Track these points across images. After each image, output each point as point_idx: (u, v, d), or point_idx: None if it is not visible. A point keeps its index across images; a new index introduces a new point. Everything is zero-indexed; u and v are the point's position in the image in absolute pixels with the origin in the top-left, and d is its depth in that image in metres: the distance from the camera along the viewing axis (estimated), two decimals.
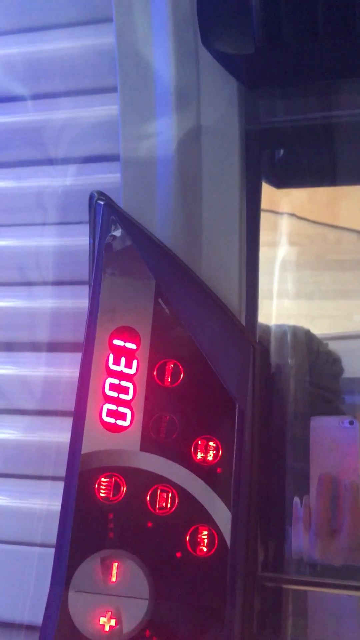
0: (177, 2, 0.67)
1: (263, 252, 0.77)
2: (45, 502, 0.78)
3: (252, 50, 0.59)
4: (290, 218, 0.97)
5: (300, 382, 0.77)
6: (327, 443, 0.68)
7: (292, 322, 0.83)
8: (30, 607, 0.74)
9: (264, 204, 0.78)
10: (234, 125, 0.69)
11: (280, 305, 0.86)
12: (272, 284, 0.85)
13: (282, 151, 0.83)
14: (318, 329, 0.88)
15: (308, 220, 1.13)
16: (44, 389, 0.82)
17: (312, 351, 0.83)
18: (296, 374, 0.77)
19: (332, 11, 0.57)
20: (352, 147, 0.79)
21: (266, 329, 0.78)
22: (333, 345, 0.88)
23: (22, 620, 0.75)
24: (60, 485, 0.64)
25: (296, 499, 0.70)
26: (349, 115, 0.73)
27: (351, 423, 0.68)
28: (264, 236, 0.77)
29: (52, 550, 0.62)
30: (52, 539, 0.63)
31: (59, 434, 0.79)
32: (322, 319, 0.91)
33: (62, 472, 0.64)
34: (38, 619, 0.61)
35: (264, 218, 0.78)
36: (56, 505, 0.64)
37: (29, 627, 0.74)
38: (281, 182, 0.85)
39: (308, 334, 0.83)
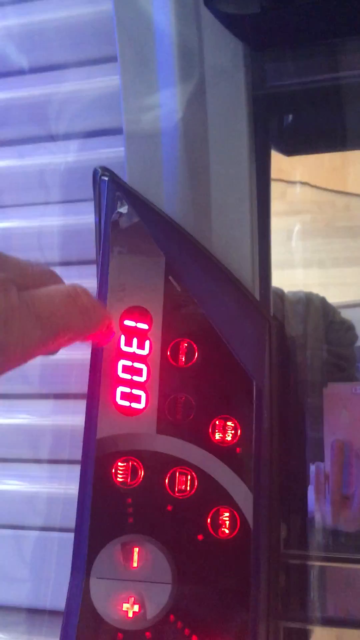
0: None
1: (271, 222, 0.74)
2: (63, 486, 0.78)
3: (258, 9, 0.56)
4: (297, 185, 0.94)
5: (316, 349, 0.75)
6: (340, 409, 0.66)
7: (304, 289, 0.81)
8: (52, 593, 0.74)
9: (272, 172, 0.76)
10: (240, 92, 0.66)
11: (292, 274, 0.84)
12: (282, 253, 0.83)
13: (290, 117, 0.80)
14: (331, 297, 0.86)
15: (316, 187, 1.10)
16: (55, 371, 0.81)
17: (327, 318, 0.81)
18: (312, 342, 0.75)
19: None
20: None
21: (281, 295, 0.76)
22: (347, 313, 0.86)
23: (45, 606, 0.74)
24: (77, 468, 0.63)
25: (312, 467, 0.69)
26: (358, 77, 0.70)
27: None
28: (272, 205, 0.74)
29: (71, 534, 0.61)
30: (71, 523, 0.62)
31: (72, 417, 0.78)
32: (334, 287, 0.89)
33: (78, 456, 0.63)
34: (60, 604, 0.60)
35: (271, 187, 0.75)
36: (73, 489, 0.63)
37: (52, 613, 0.74)
38: (291, 149, 0.82)
39: (323, 301, 0.81)
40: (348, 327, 0.83)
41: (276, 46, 0.64)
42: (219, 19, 0.61)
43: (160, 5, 0.66)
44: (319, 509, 0.68)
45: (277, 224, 0.83)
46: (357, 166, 1.10)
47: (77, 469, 0.62)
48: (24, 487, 0.80)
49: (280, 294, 0.76)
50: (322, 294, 0.84)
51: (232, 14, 0.58)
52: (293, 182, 0.92)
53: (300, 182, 0.96)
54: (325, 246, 1.08)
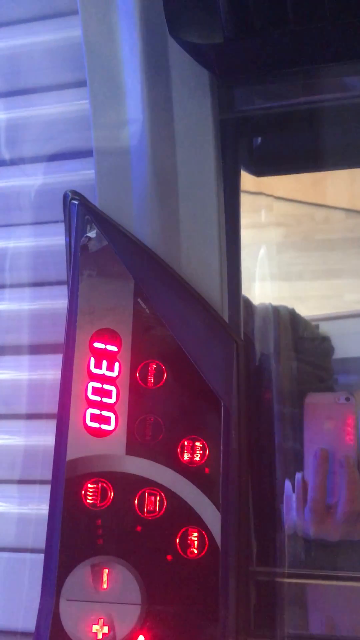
0: None
1: (250, 235, 0.75)
2: (35, 506, 0.78)
3: (221, 39, 0.58)
4: (276, 199, 0.95)
5: (287, 361, 0.76)
6: (323, 419, 0.67)
7: (283, 304, 0.82)
8: (25, 614, 0.74)
9: (249, 185, 0.77)
10: (207, 116, 0.68)
11: (270, 287, 0.85)
12: (261, 266, 0.84)
13: (259, 139, 0.81)
14: (309, 310, 0.87)
15: (294, 200, 1.12)
16: (27, 392, 0.81)
17: (297, 329, 0.82)
18: (283, 354, 0.76)
19: None
20: (330, 131, 0.78)
21: (250, 307, 0.77)
22: (326, 326, 0.87)
23: (17, 628, 0.74)
24: (48, 488, 0.63)
25: (288, 479, 0.69)
26: (325, 100, 0.72)
27: (347, 399, 0.67)
28: (251, 218, 0.76)
29: (43, 555, 0.62)
30: (43, 543, 0.62)
31: (44, 437, 0.78)
32: (313, 300, 0.90)
33: (49, 476, 0.63)
34: (32, 625, 0.60)
35: (250, 200, 0.77)
36: (45, 509, 0.64)
37: (24, 634, 0.73)
38: (260, 171, 0.83)
39: (292, 313, 0.82)
40: (323, 337, 0.85)
41: (241, 74, 0.66)
42: (184, 48, 0.62)
43: (127, 33, 0.67)
44: (298, 520, 0.68)
45: (256, 237, 0.84)
46: (335, 180, 1.12)
47: (49, 488, 0.63)
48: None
49: (248, 305, 0.77)
50: (300, 306, 0.85)
51: (196, 44, 0.60)
52: (272, 196, 0.93)
53: (279, 195, 0.98)
54: (304, 259, 1.10)
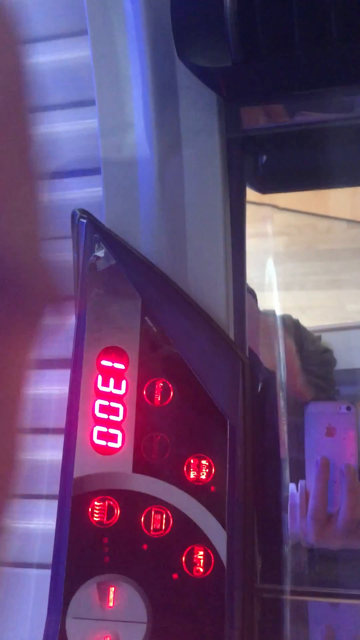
0: (152, 14, 0.66)
1: (252, 244, 0.76)
2: (41, 521, 0.78)
3: (229, 63, 0.58)
4: (278, 209, 0.96)
5: (291, 371, 0.77)
6: (324, 428, 0.68)
7: (284, 314, 0.82)
8: (30, 630, 0.74)
9: (251, 195, 0.78)
10: (214, 136, 0.68)
11: (272, 297, 0.85)
12: (263, 276, 0.85)
13: (265, 157, 0.82)
14: (311, 321, 0.87)
15: (297, 210, 1.12)
16: (33, 406, 0.81)
17: (301, 340, 0.82)
18: (286, 364, 0.77)
19: (307, 22, 0.56)
20: (334, 150, 0.78)
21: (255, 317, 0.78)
22: (327, 338, 0.88)
23: None
24: (54, 503, 0.64)
25: (292, 486, 0.69)
26: (329, 120, 0.73)
27: (348, 409, 0.68)
28: (253, 228, 0.76)
29: (49, 571, 0.62)
30: (49, 559, 0.63)
31: (51, 452, 0.78)
32: (314, 310, 0.90)
33: (56, 491, 0.64)
34: None
35: (252, 210, 0.77)
36: (51, 524, 0.64)
37: None
38: (266, 188, 0.84)
39: (296, 323, 0.83)
40: (325, 348, 0.85)
41: (248, 96, 0.66)
42: (192, 71, 0.63)
43: (136, 54, 0.68)
44: (300, 528, 0.68)
45: (259, 247, 0.85)
46: (337, 191, 1.12)
47: (54, 504, 0.63)
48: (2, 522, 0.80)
49: (261, 317, 0.77)
50: (302, 316, 0.85)
51: (204, 67, 0.60)
52: (274, 206, 0.94)
53: (281, 206, 0.98)
54: (306, 269, 1.10)
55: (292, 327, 0.82)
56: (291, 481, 0.71)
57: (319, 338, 0.86)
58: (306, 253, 1.15)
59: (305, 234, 1.18)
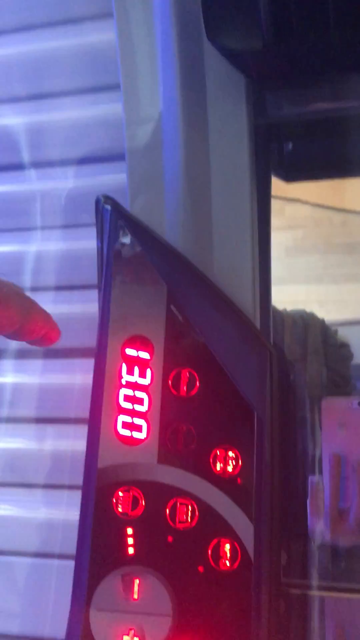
0: None
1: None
2: (63, 511, 0.77)
3: (261, 45, 0.57)
4: (295, 202, 0.95)
5: (314, 367, 0.76)
6: (337, 423, 0.67)
7: (300, 307, 0.81)
8: (51, 621, 0.73)
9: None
10: (242, 121, 0.67)
11: (288, 291, 0.84)
12: (279, 269, 0.83)
13: (290, 144, 0.81)
14: (327, 314, 0.86)
15: (313, 204, 1.11)
16: (56, 396, 0.81)
17: (323, 336, 0.81)
18: (311, 360, 0.76)
19: (343, 1, 0.54)
20: None
21: (280, 314, 0.77)
22: (344, 331, 0.86)
23: (43, 635, 0.74)
24: (76, 494, 0.63)
25: (310, 480, 0.69)
26: (358, 107, 0.71)
27: None
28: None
29: (71, 562, 0.61)
30: (71, 550, 0.62)
31: (73, 441, 0.78)
32: (331, 304, 0.89)
33: (78, 481, 0.63)
34: (59, 633, 0.60)
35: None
36: (73, 514, 0.63)
37: None
38: (290, 176, 0.83)
39: (314, 318, 0.82)
40: (342, 343, 0.84)
41: (279, 80, 0.65)
42: (221, 53, 0.61)
43: (163, 35, 0.67)
44: (317, 524, 0.68)
45: (275, 240, 0.83)
46: (354, 183, 1.11)
47: (76, 494, 0.62)
48: (22, 513, 0.80)
49: (279, 312, 0.76)
50: (318, 310, 0.84)
51: (235, 50, 0.59)
52: (291, 199, 0.92)
53: (298, 199, 0.97)
54: (322, 262, 1.09)
55: (319, 324, 0.81)
56: (312, 475, 0.70)
57: (336, 332, 0.85)
58: (321, 246, 1.13)
59: (321, 227, 1.16)
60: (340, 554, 0.71)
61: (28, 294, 0.82)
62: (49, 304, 0.82)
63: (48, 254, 0.82)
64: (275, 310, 0.76)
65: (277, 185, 0.82)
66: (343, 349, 0.84)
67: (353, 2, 0.54)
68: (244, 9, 0.57)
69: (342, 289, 1.05)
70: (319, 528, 0.67)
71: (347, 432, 0.66)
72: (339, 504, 0.65)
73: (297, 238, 1.02)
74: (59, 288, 0.82)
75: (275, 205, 0.83)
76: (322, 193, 1.15)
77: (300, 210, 1.00)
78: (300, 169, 0.83)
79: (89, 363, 0.66)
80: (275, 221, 0.84)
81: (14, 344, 0.84)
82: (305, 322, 0.80)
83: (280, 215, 0.90)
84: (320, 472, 0.68)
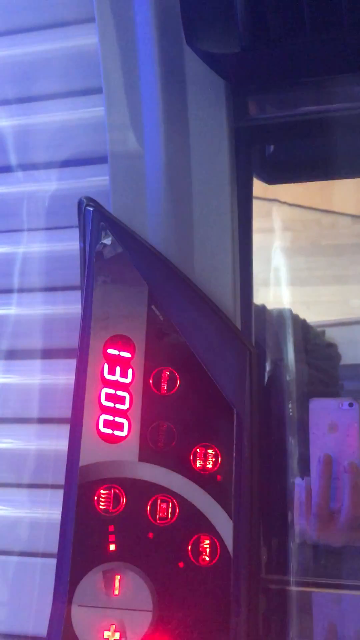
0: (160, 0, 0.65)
1: (257, 239, 0.76)
2: (46, 510, 0.78)
3: (238, 49, 0.58)
4: (283, 204, 0.96)
5: (295, 365, 0.77)
6: (327, 424, 0.67)
7: (288, 308, 0.82)
8: (35, 619, 0.74)
9: (256, 190, 0.77)
10: (222, 124, 0.68)
11: (276, 292, 0.85)
12: (267, 271, 0.85)
13: (272, 147, 0.82)
14: (315, 315, 0.87)
15: (301, 206, 1.12)
16: (40, 396, 0.81)
17: (307, 335, 0.82)
18: (290, 359, 0.77)
19: (318, 6, 0.55)
20: (342, 140, 0.78)
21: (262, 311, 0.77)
22: (331, 332, 0.87)
23: (28, 632, 0.74)
24: (60, 492, 0.63)
25: (298, 481, 0.69)
26: (338, 110, 0.72)
27: (351, 405, 0.68)
28: (257, 223, 0.76)
29: (55, 560, 0.62)
30: (55, 548, 0.62)
31: (56, 441, 0.79)
32: (318, 305, 0.90)
33: (62, 480, 0.63)
34: (43, 630, 0.60)
35: (256, 205, 0.77)
36: (57, 513, 0.64)
37: (35, 639, 0.74)
38: (272, 178, 0.84)
39: (296, 318, 0.82)
40: (328, 344, 0.85)
41: (257, 83, 0.66)
42: (200, 57, 0.62)
43: (144, 40, 0.68)
44: (303, 524, 0.68)
45: (263, 241, 0.84)
46: (342, 186, 1.12)
47: (60, 493, 0.63)
48: (7, 512, 0.80)
49: (261, 310, 0.77)
50: (306, 311, 0.85)
51: (213, 53, 0.60)
52: (279, 201, 0.93)
53: (286, 201, 0.98)
54: (310, 264, 1.10)
55: (295, 320, 0.82)
56: (297, 474, 0.71)
57: (323, 333, 0.86)
58: (310, 248, 1.15)
59: (310, 229, 1.18)
60: (321, 551, 0.71)
61: (14, 295, 0.83)
62: (34, 305, 0.83)
63: (33, 255, 0.83)
64: (259, 309, 0.77)
65: (267, 188, 0.83)
66: (330, 348, 0.85)
67: (327, 6, 0.55)
68: (221, 14, 0.58)
69: (329, 290, 1.07)
70: (304, 528, 0.68)
71: (337, 433, 0.67)
72: (330, 504, 0.66)
73: (285, 239, 1.03)
74: (43, 289, 0.83)
75: (263, 207, 0.84)
76: (310, 195, 1.17)
77: (288, 212, 1.01)
78: (281, 171, 0.84)
79: (72, 363, 0.67)
80: (263, 223, 0.86)
81: None
82: (290, 320, 0.81)
83: (268, 217, 0.92)
84: (305, 472, 0.69)
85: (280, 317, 0.81)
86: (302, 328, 0.83)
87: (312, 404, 0.69)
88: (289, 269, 0.90)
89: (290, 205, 1.03)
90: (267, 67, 0.62)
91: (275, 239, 0.91)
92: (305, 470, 0.70)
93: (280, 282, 0.87)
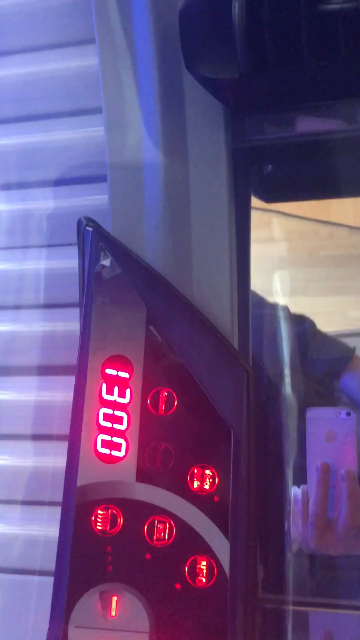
0: (160, 24, 0.66)
1: (254, 249, 0.76)
2: (43, 528, 0.78)
3: (237, 74, 0.59)
4: (281, 215, 0.96)
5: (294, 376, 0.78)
6: (324, 434, 0.68)
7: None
8: (32, 638, 0.74)
9: (255, 201, 0.78)
10: (220, 145, 0.69)
11: (272, 303, 0.85)
12: (265, 282, 0.85)
13: (270, 167, 0.82)
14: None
15: (299, 216, 1.13)
16: (37, 413, 0.81)
17: (304, 345, 0.83)
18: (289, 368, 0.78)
19: (316, 34, 0.56)
20: (338, 160, 0.79)
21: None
22: None
23: None
24: (57, 510, 0.64)
25: (294, 490, 0.70)
26: (335, 131, 0.73)
27: (348, 414, 0.68)
28: (254, 234, 0.77)
29: (51, 578, 0.62)
30: (51, 566, 0.63)
31: (54, 458, 0.79)
32: (315, 316, 0.90)
33: (59, 498, 0.64)
34: None
35: (255, 216, 0.77)
36: (54, 531, 0.64)
37: None
38: (270, 197, 0.84)
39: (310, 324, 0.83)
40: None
41: (254, 107, 0.67)
42: (199, 82, 0.63)
43: (143, 64, 0.69)
44: (300, 533, 0.68)
45: (261, 252, 0.85)
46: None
47: (57, 510, 0.63)
48: (3, 529, 0.80)
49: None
50: None
51: (212, 78, 0.61)
52: (277, 212, 0.94)
53: (284, 211, 0.98)
54: (308, 275, 1.10)
55: (304, 329, 0.83)
56: (294, 486, 0.71)
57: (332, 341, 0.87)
58: (308, 259, 1.15)
59: (307, 240, 1.18)
60: (317, 568, 0.72)
61: (12, 312, 0.84)
62: (33, 322, 0.84)
63: (31, 272, 0.83)
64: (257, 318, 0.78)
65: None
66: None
67: (325, 33, 0.56)
68: (220, 40, 0.58)
69: (327, 301, 1.07)
70: (301, 537, 0.68)
71: (335, 442, 0.67)
72: (327, 513, 0.66)
73: (283, 250, 1.03)
74: (42, 306, 0.83)
75: (261, 217, 0.85)
76: (308, 206, 1.17)
77: (286, 223, 1.02)
78: (279, 190, 0.85)
79: (70, 380, 0.67)
80: (260, 233, 0.86)
81: None
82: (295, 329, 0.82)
83: (265, 228, 0.92)
84: (301, 482, 0.69)
85: (276, 325, 0.81)
86: (307, 338, 0.83)
87: (309, 413, 0.70)
88: (286, 280, 0.91)
89: (288, 215, 1.03)
90: (265, 92, 0.63)
91: (273, 249, 0.91)
92: (302, 481, 0.70)
93: (277, 293, 0.87)
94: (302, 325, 0.84)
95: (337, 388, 0.83)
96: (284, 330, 0.83)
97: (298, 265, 1.11)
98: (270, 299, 0.85)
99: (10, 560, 0.78)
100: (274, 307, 0.85)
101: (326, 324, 0.99)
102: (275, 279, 0.88)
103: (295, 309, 0.90)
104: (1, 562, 0.78)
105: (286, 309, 0.85)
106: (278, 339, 0.81)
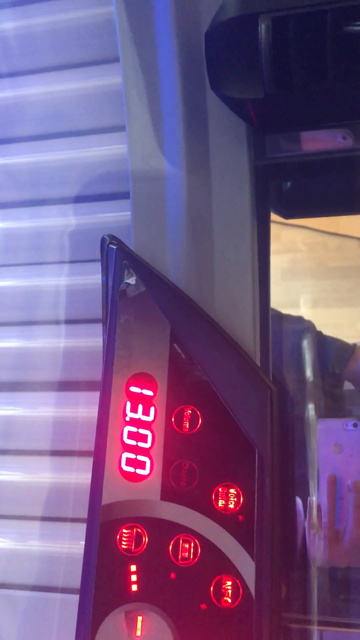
0: (185, 45, 0.66)
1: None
2: (66, 544, 0.78)
3: (261, 95, 0.59)
4: (290, 226, 0.96)
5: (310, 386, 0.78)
6: (332, 445, 0.68)
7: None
8: None
9: None
10: (243, 163, 0.69)
11: (281, 314, 0.85)
12: (274, 294, 0.85)
13: (289, 184, 0.83)
14: None
15: (308, 228, 1.13)
16: (60, 429, 0.82)
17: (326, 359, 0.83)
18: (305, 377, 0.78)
19: (341, 55, 0.56)
20: (357, 177, 0.79)
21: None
22: None
23: None
24: (80, 526, 0.64)
25: (309, 503, 0.69)
26: (353, 150, 0.73)
27: (355, 425, 0.68)
28: None
29: (74, 595, 0.62)
30: (74, 583, 0.63)
31: (77, 474, 0.79)
32: (324, 328, 0.90)
33: (81, 514, 0.64)
34: None
35: None
36: (76, 547, 0.64)
37: None
38: (289, 214, 0.85)
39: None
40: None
41: (279, 127, 0.67)
42: (224, 102, 0.64)
43: (168, 83, 0.69)
44: (315, 545, 0.68)
45: (271, 265, 0.85)
46: None
47: (79, 527, 0.63)
48: (25, 546, 0.80)
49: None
50: None
51: (236, 98, 0.61)
52: (286, 224, 0.94)
53: (293, 224, 0.98)
54: (317, 287, 1.10)
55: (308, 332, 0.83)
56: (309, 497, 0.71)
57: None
58: (317, 271, 1.15)
59: (316, 251, 1.18)
60: (339, 586, 0.71)
61: (32, 327, 0.84)
62: (53, 337, 0.84)
63: (52, 288, 0.84)
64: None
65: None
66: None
67: (350, 54, 0.56)
68: (246, 61, 0.59)
69: (336, 313, 1.07)
70: (318, 550, 0.68)
71: (342, 453, 0.67)
72: (335, 525, 0.66)
73: (291, 262, 1.03)
74: (64, 322, 0.84)
75: (271, 230, 0.85)
76: (317, 218, 1.17)
77: (295, 235, 1.01)
78: (297, 207, 0.85)
79: (92, 395, 0.67)
80: (271, 246, 0.86)
81: (18, 377, 0.86)
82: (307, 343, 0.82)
83: (274, 240, 0.92)
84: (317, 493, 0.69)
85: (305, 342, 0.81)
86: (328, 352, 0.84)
87: (320, 425, 0.70)
88: (295, 291, 0.91)
89: (297, 227, 1.03)
90: (289, 111, 0.63)
91: (282, 261, 0.91)
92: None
93: (286, 305, 0.87)
94: (304, 327, 0.84)
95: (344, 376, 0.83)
96: (299, 343, 0.83)
97: (307, 277, 1.11)
98: (281, 311, 0.85)
99: (32, 578, 0.78)
100: (285, 318, 0.85)
101: (336, 336, 0.98)
102: (283, 291, 0.88)
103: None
104: (24, 579, 0.78)
105: (299, 319, 0.85)
106: (293, 352, 0.82)
